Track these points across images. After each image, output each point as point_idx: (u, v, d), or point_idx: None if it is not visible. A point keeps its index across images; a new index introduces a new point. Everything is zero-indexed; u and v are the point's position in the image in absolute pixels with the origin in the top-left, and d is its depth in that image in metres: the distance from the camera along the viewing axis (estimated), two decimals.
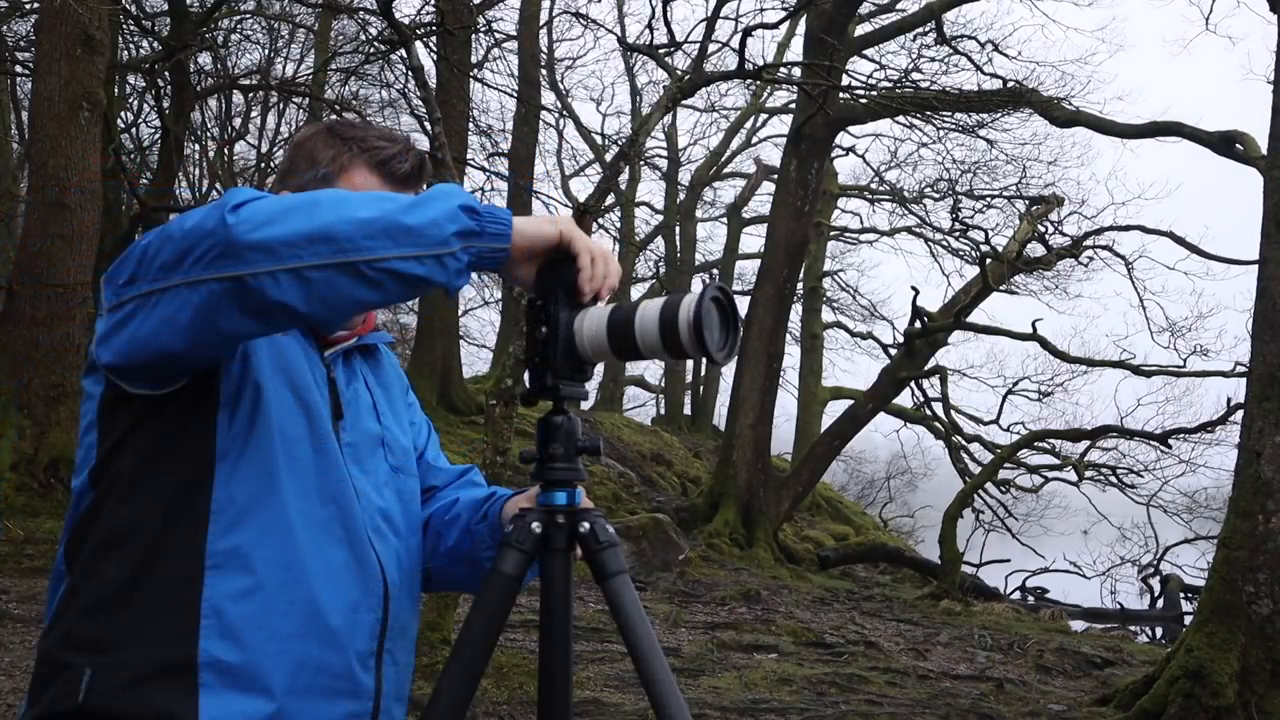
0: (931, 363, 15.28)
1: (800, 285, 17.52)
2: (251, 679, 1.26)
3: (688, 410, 24.35)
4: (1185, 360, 14.85)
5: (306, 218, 1.15)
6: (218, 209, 1.16)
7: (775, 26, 10.90)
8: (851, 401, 15.99)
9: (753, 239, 24.30)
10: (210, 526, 1.28)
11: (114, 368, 1.26)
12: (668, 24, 7.54)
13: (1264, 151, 6.90)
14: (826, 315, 22.66)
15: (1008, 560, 15.60)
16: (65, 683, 1.25)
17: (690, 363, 21.88)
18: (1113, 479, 15.26)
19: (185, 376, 1.27)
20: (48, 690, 1.26)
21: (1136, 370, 14.99)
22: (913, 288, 14.68)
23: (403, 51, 7.56)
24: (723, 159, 24.77)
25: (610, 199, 20.90)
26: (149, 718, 1.22)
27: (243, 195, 1.17)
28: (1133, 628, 13.09)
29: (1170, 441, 13.93)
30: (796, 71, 14.80)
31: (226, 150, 16.60)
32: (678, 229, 24.60)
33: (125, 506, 1.29)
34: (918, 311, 14.65)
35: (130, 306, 1.21)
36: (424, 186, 1.53)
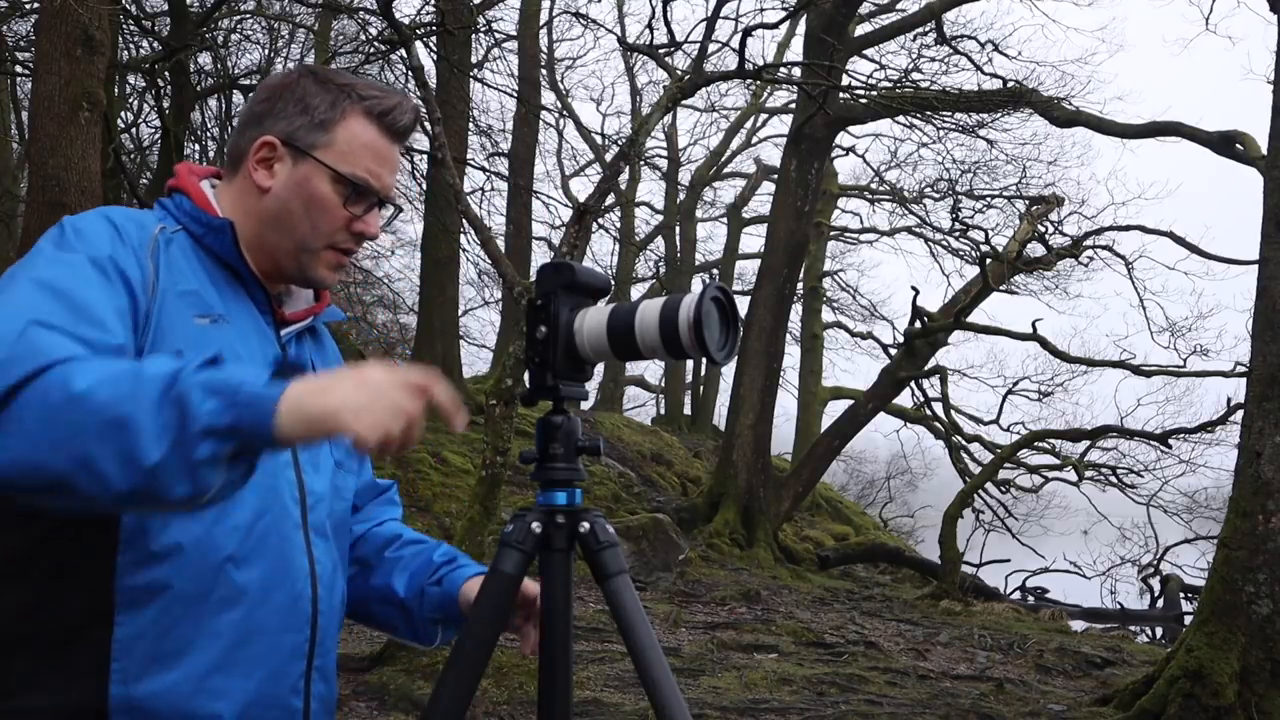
0: (931, 363, 15.27)
1: (800, 285, 17.50)
2: None
3: (688, 410, 24.33)
4: (1185, 360, 14.84)
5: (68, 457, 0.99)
6: None
7: (775, 26, 10.91)
8: (851, 401, 15.98)
9: (753, 239, 24.31)
10: (120, 558, 1.16)
11: None
12: (668, 24, 7.53)
13: (1264, 151, 6.89)
14: (826, 315, 22.64)
15: (1008, 560, 15.59)
16: None
17: (690, 363, 21.87)
18: (1113, 479, 15.25)
19: None
20: None
21: (1136, 370, 14.98)
22: (913, 288, 14.68)
23: (403, 51, 7.56)
24: (723, 159, 24.76)
25: (610, 199, 20.89)
26: None
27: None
28: (1133, 628, 13.09)
29: (1170, 441, 13.92)
30: (796, 71, 14.79)
31: (227, 150, 16.58)
32: (678, 229, 24.59)
33: (20, 533, 1.17)
34: (918, 311, 14.64)
35: None
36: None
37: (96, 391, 1.01)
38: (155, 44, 11.69)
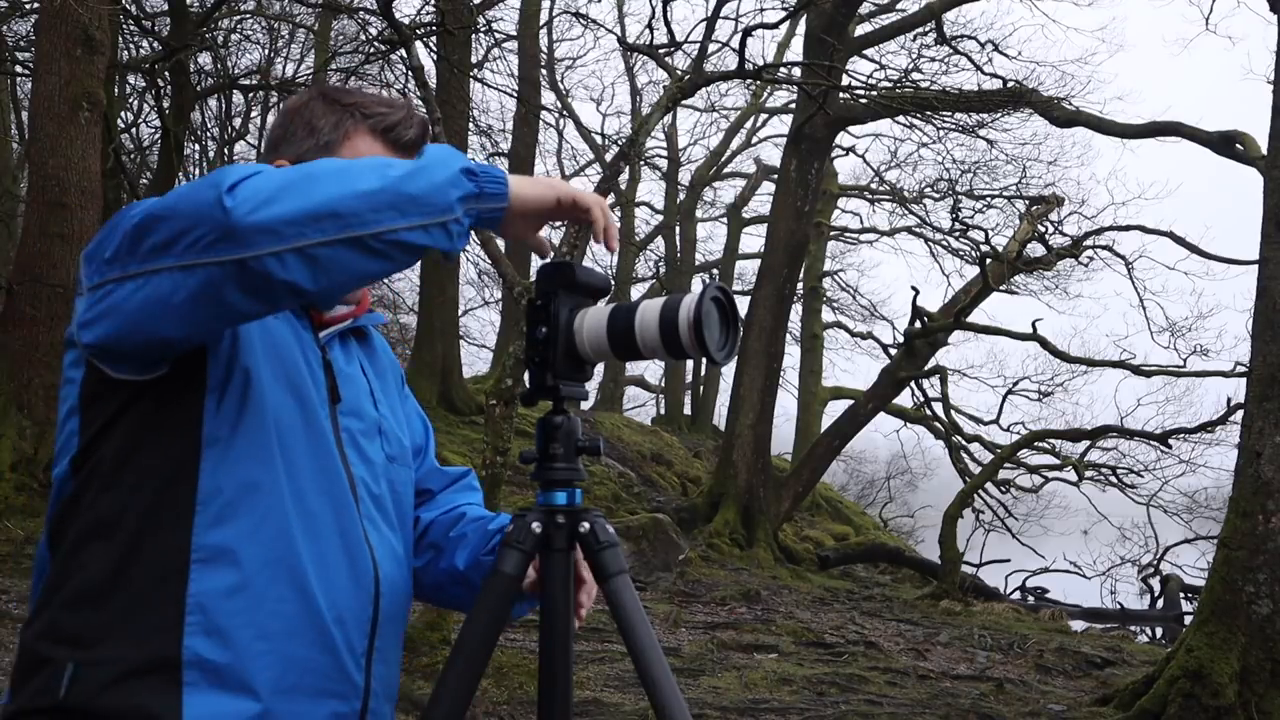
0: (931, 363, 15.27)
1: (800, 285, 17.50)
2: (237, 678, 1.22)
3: (688, 410, 24.34)
4: (1185, 360, 14.84)
5: (307, 193, 1.12)
6: (211, 189, 1.11)
7: (775, 26, 10.91)
8: (851, 401, 15.98)
9: (753, 239, 24.32)
10: (196, 518, 1.23)
11: (98, 351, 1.21)
12: (668, 24, 7.53)
13: (1264, 151, 6.90)
14: (826, 315, 22.64)
15: (1008, 560, 15.59)
16: (46, 677, 1.21)
17: (690, 363, 21.87)
18: (1113, 479, 15.25)
19: (172, 360, 1.23)
20: (29, 684, 1.22)
21: (1136, 370, 14.98)
22: (913, 288, 14.68)
23: (403, 51, 7.56)
24: (723, 159, 24.76)
25: (610, 199, 20.88)
26: (131, 716, 1.19)
27: (236, 173, 1.13)
28: (1133, 628, 13.09)
29: (1170, 441, 13.91)
30: (796, 71, 14.79)
31: (226, 150, 16.61)
32: (678, 229, 24.60)
33: (108, 496, 1.24)
34: (918, 311, 14.63)
35: (114, 287, 1.17)
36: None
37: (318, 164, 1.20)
38: (155, 44, 11.69)
